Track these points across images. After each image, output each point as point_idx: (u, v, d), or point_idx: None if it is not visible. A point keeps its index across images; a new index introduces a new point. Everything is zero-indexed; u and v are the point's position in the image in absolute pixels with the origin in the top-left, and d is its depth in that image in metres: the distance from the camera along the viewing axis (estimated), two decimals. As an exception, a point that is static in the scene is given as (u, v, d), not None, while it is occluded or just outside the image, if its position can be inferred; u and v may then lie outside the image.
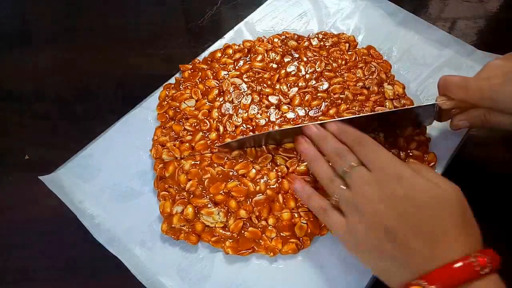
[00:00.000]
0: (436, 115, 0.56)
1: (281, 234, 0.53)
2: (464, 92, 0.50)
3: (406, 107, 0.61)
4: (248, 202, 0.55)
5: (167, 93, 0.66)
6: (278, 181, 0.56)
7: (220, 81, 0.66)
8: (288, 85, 0.65)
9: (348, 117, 0.57)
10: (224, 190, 0.56)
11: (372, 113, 0.57)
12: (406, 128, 0.60)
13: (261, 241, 0.53)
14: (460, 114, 0.54)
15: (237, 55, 0.69)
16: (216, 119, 0.62)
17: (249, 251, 0.52)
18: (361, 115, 0.59)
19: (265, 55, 0.69)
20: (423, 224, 0.38)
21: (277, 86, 0.65)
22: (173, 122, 0.62)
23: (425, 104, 0.55)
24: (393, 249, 0.39)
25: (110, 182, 0.58)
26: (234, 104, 0.63)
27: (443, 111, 0.54)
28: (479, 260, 0.35)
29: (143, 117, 0.64)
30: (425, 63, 0.70)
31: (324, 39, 0.72)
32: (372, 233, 0.40)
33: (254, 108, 0.63)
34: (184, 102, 0.64)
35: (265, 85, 0.65)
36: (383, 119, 0.56)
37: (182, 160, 0.58)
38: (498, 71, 0.49)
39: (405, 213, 0.39)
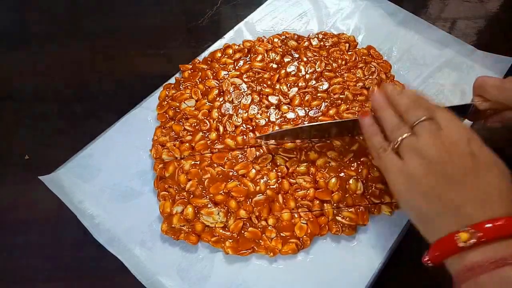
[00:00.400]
0: (470, 115, 0.54)
1: (281, 234, 0.53)
2: (501, 93, 0.50)
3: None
4: (248, 202, 0.55)
5: (167, 93, 0.66)
6: (278, 181, 0.56)
7: (220, 81, 0.66)
8: (288, 85, 0.65)
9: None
10: (224, 190, 0.56)
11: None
12: None
13: (261, 241, 0.53)
14: (495, 115, 0.53)
15: (237, 55, 0.69)
16: (216, 119, 0.62)
17: (249, 251, 0.52)
18: None
19: (265, 55, 0.69)
20: (485, 181, 0.39)
21: (277, 86, 0.65)
22: (173, 122, 0.62)
23: (461, 103, 0.54)
24: (449, 195, 0.39)
25: (110, 182, 0.59)
26: (234, 104, 0.63)
27: (479, 112, 0.53)
28: None
29: (143, 117, 0.64)
30: (425, 63, 0.70)
31: (324, 39, 0.72)
32: (432, 176, 0.40)
33: (254, 108, 0.63)
34: (184, 102, 0.64)
35: (265, 85, 0.65)
36: None
37: (182, 160, 0.58)
38: None
39: (468, 167, 0.40)
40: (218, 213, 0.54)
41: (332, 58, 0.69)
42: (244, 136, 0.60)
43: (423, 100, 0.46)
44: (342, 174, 0.56)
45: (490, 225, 0.36)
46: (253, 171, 0.57)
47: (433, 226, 0.41)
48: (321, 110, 0.62)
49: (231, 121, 0.61)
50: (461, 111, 0.54)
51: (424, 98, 0.47)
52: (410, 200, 0.43)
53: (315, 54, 0.69)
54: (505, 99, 0.50)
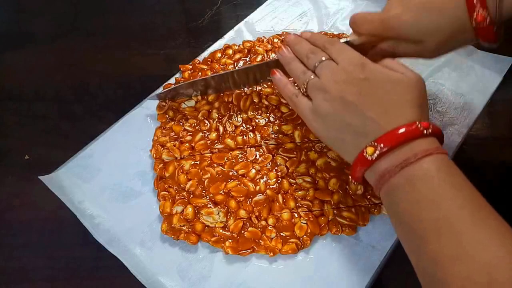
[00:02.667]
0: None
1: (281, 234, 0.53)
2: (370, 25, 0.53)
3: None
4: (248, 202, 0.55)
5: (167, 93, 0.66)
6: (278, 181, 0.56)
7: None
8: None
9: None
10: (224, 190, 0.56)
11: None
12: None
13: (261, 241, 0.53)
14: (373, 50, 0.57)
15: (237, 56, 0.69)
16: (216, 120, 0.62)
17: (249, 251, 0.52)
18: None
19: (265, 55, 0.69)
20: (380, 98, 0.43)
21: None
22: (173, 122, 0.62)
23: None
24: (352, 119, 0.44)
25: (110, 182, 0.59)
26: (233, 104, 0.63)
27: (356, 47, 0.55)
28: (423, 124, 0.40)
29: (143, 117, 0.64)
30: (425, 63, 0.70)
31: None
32: (335, 106, 0.45)
33: (254, 108, 0.62)
34: (184, 103, 0.64)
35: (265, 85, 0.65)
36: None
37: (182, 160, 0.58)
38: (397, 2, 0.52)
39: (364, 90, 0.44)
40: (218, 213, 0.54)
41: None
42: (244, 136, 0.60)
43: (319, 40, 0.53)
44: (342, 174, 0.56)
45: (391, 135, 0.40)
46: (253, 171, 0.57)
47: (348, 149, 0.45)
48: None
49: (230, 121, 0.61)
50: None
51: (320, 36, 0.54)
52: (325, 133, 0.47)
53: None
54: (374, 29, 0.53)
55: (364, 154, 0.42)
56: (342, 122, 0.45)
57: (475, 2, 0.46)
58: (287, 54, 0.55)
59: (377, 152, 0.40)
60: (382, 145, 0.40)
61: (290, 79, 0.54)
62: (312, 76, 0.49)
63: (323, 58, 0.49)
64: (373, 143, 0.41)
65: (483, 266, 0.33)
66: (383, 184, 0.41)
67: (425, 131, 0.40)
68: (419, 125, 0.40)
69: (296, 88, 0.52)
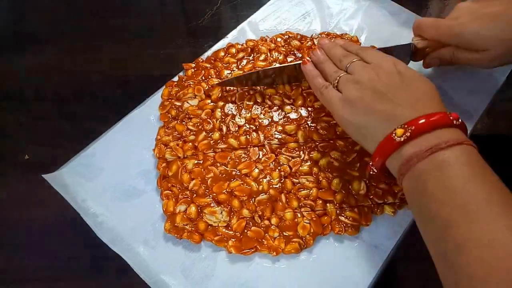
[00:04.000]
0: (411, 55, 0.62)
1: (284, 233, 0.53)
2: (436, 30, 0.57)
3: (386, 46, 0.63)
4: (251, 201, 0.55)
5: (170, 91, 0.66)
6: (281, 181, 0.56)
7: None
8: (291, 85, 0.65)
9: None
10: (227, 190, 0.56)
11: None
12: None
13: (264, 240, 0.53)
14: (432, 53, 0.61)
15: (240, 55, 0.69)
16: (219, 119, 0.62)
17: (252, 250, 0.52)
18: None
19: (268, 54, 0.69)
20: (410, 91, 0.45)
21: (280, 87, 0.65)
22: (176, 122, 0.62)
23: (401, 44, 0.61)
24: (382, 105, 0.45)
25: (113, 181, 0.58)
26: (237, 104, 0.63)
27: (418, 50, 0.61)
28: (453, 114, 0.42)
29: (146, 116, 0.64)
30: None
31: None
32: (365, 95, 0.46)
33: (257, 108, 0.62)
34: (187, 102, 0.64)
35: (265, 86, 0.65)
36: None
37: (185, 160, 0.58)
38: (465, 11, 0.55)
39: (396, 81, 0.46)
40: (221, 212, 0.54)
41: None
42: (247, 136, 0.60)
43: (352, 47, 0.56)
44: (345, 174, 0.56)
45: (423, 120, 0.41)
46: (256, 170, 0.57)
47: (373, 137, 0.46)
48: (325, 110, 0.62)
49: (234, 121, 0.61)
50: (403, 52, 0.62)
51: (353, 44, 0.58)
52: (351, 118, 0.48)
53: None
54: (439, 35, 0.57)
55: (393, 136, 0.42)
56: (372, 107, 0.46)
57: None
58: (320, 56, 0.57)
59: (407, 134, 0.41)
60: (413, 127, 0.41)
61: None
62: (344, 74, 0.51)
63: (356, 59, 0.51)
64: (403, 125, 0.42)
65: (509, 253, 0.33)
66: (408, 168, 0.41)
67: (454, 121, 0.41)
68: (449, 115, 0.42)
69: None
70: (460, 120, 0.42)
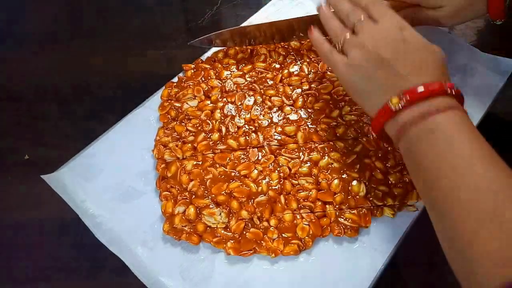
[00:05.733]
0: None
1: (283, 235, 0.53)
2: None
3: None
4: (250, 203, 0.55)
5: (169, 92, 0.65)
6: (280, 182, 0.56)
7: (223, 81, 0.66)
8: (291, 87, 0.65)
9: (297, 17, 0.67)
10: (226, 191, 0.56)
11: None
12: None
13: (262, 242, 0.53)
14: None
15: (240, 56, 0.69)
16: (219, 120, 0.62)
17: (251, 252, 0.52)
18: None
19: (268, 55, 0.68)
20: (413, 60, 0.46)
21: (280, 89, 0.64)
22: (175, 122, 0.62)
23: None
24: (383, 73, 0.46)
25: (112, 182, 0.58)
26: (236, 105, 0.63)
27: None
28: (448, 84, 0.44)
29: (146, 117, 0.64)
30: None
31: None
32: (369, 60, 0.48)
33: (257, 109, 0.62)
34: (186, 103, 0.64)
35: (267, 84, 0.65)
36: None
37: (184, 161, 0.58)
38: None
39: (400, 50, 0.47)
40: (220, 214, 0.54)
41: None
42: (247, 137, 0.60)
43: (361, 1, 0.54)
44: (344, 176, 0.56)
45: (419, 89, 0.43)
46: (255, 171, 0.57)
47: (373, 101, 0.47)
48: (325, 111, 0.62)
49: (233, 122, 0.61)
50: None
51: None
52: (354, 83, 0.50)
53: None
54: None
55: (389, 104, 0.44)
56: (373, 74, 0.47)
57: None
58: (326, 12, 0.57)
59: (402, 102, 0.43)
60: (407, 97, 0.43)
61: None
62: (349, 34, 0.51)
63: (363, 17, 0.51)
64: (399, 94, 0.44)
65: (490, 191, 0.37)
66: (404, 133, 0.44)
67: (449, 90, 0.43)
68: (444, 84, 0.44)
69: (332, 46, 0.54)
70: (454, 90, 0.44)
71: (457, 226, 0.38)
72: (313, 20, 0.59)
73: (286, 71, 0.66)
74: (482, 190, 0.37)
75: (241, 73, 0.66)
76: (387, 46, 0.47)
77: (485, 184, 0.37)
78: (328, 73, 0.66)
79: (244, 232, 0.53)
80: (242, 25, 0.76)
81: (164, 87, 0.67)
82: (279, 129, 0.60)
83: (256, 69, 0.67)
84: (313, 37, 0.57)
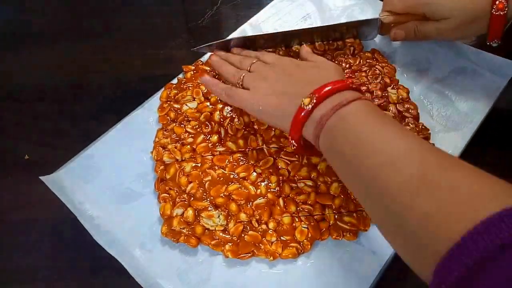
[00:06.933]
0: (378, 29, 0.68)
1: (281, 238, 0.53)
2: (403, 3, 0.63)
3: (351, 20, 0.70)
4: (249, 205, 0.55)
5: (169, 93, 0.65)
6: (279, 185, 0.56)
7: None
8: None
9: (297, 29, 0.69)
10: (225, 193, 0.55)
11: (322, 25, 0.69)
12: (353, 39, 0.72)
13: (261, 245, 0.53)
14: (397, 26, 0.66)
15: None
16: (218, 122, 0.61)
17: (249, 255, 0.52)
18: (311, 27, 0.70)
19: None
20: (311, 73, 0.53)
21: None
22: (174, 124, 0.62)
23: (369, 18, 0.68)
24: (290, 87, 0.51)
25: (110, 183, 0.58)
26: (236, 107, 0.63)
27: (384, 25, 0.67)
28: (349, 80, 0.49)
29: (145, 119, 0.64)
30: (430, 67, 0.70)
31: (329, 43, 0.71)
32: (274, 84, 0.53)
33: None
34: (185, 104, 0.63)
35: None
36: (332, 29, 0.69)
37: (183, 162, 0.58)
38: None
39: (297, 71, 0.54)
40: (219, 216, 0.54)
41: (336, 62, 0.68)
42: (246, 139, 0.60)
43: (251, 53, 0.63)
44: None
45: (326, 87, 0.47)
46: (254, 174, 0.57)
47: (287, 115, 0.49)
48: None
49: (232, 124, 0.61)
50: (371, 26, 0.68)
51: (251, 52, 0.65)
52: (266, 109, 0.52)
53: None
54: (407, 5, 0.63)
55: (302, 106, 0.47)
56: (283, 92, 0.51)
57: None
58: (217, 60, 0.63)
59: (313, 101, 0.46)
60: (317, 95, 0.46)
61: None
62: (246, 72, 0.57)
63: (255, 60, 0.58)
64: (309, 95, 0.47)
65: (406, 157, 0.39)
66: (321, 129, 0.46)
67: (351, 85, 0.48)
68: (347, 80, 0.49)
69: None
70: (354, 84, 0.48)
71: (395, 200, 0.38)
72: (317, 30, 0.66)
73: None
74: (407, 159, 0.39)
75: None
76: (286, 71, 0.54)
77: (408, 153, 0.39)
78: None
79: (243, 235, 0.53)
80: (243, 25, 0.76)
81: (163, 89, 0.67)
82: (278, 131, 0.60)
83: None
84: (205, 80, 0.61)
